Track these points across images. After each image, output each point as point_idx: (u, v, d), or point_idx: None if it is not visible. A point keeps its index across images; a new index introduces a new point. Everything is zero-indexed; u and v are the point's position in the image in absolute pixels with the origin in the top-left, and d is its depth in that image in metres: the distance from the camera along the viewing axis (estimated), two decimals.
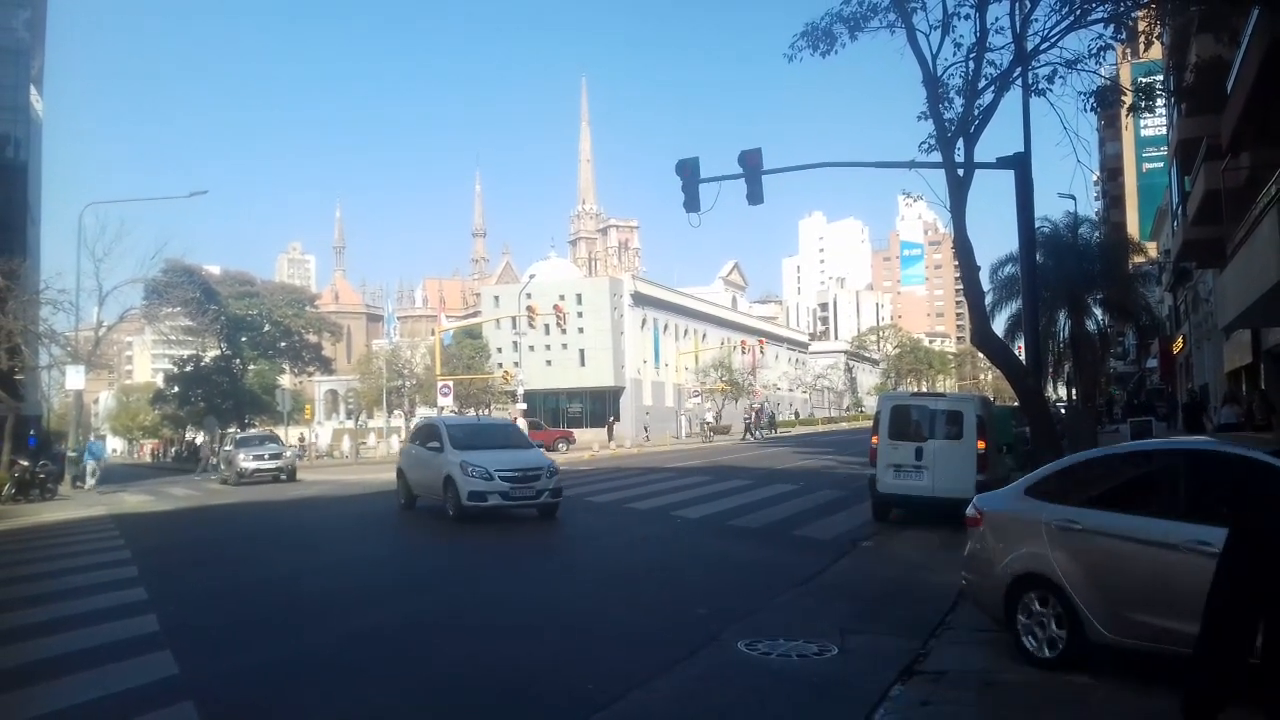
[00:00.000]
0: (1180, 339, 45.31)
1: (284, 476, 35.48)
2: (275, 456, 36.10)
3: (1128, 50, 35.69)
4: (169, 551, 16.82)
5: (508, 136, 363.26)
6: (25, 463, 30.50)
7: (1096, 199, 72.68)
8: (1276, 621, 2.25)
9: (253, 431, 46.55)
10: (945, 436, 15.77)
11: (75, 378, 34.85)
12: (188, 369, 64.07)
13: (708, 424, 73.07)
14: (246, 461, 35.00)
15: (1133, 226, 58.35)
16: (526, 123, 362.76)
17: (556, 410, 75.71)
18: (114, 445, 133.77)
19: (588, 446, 52.73)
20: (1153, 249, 51.64)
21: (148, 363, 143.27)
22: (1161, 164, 50.07)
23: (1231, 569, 2.46)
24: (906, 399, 18.57)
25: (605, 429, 64.44)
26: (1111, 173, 68.87)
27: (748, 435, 62.92)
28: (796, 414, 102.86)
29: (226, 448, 38.41)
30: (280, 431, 53.99)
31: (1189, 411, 22.88)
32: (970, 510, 8.43)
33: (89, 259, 35.41)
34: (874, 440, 16.56)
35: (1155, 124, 50.59)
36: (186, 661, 8.16)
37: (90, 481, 35.74)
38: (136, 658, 8.38)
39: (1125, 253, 44.71)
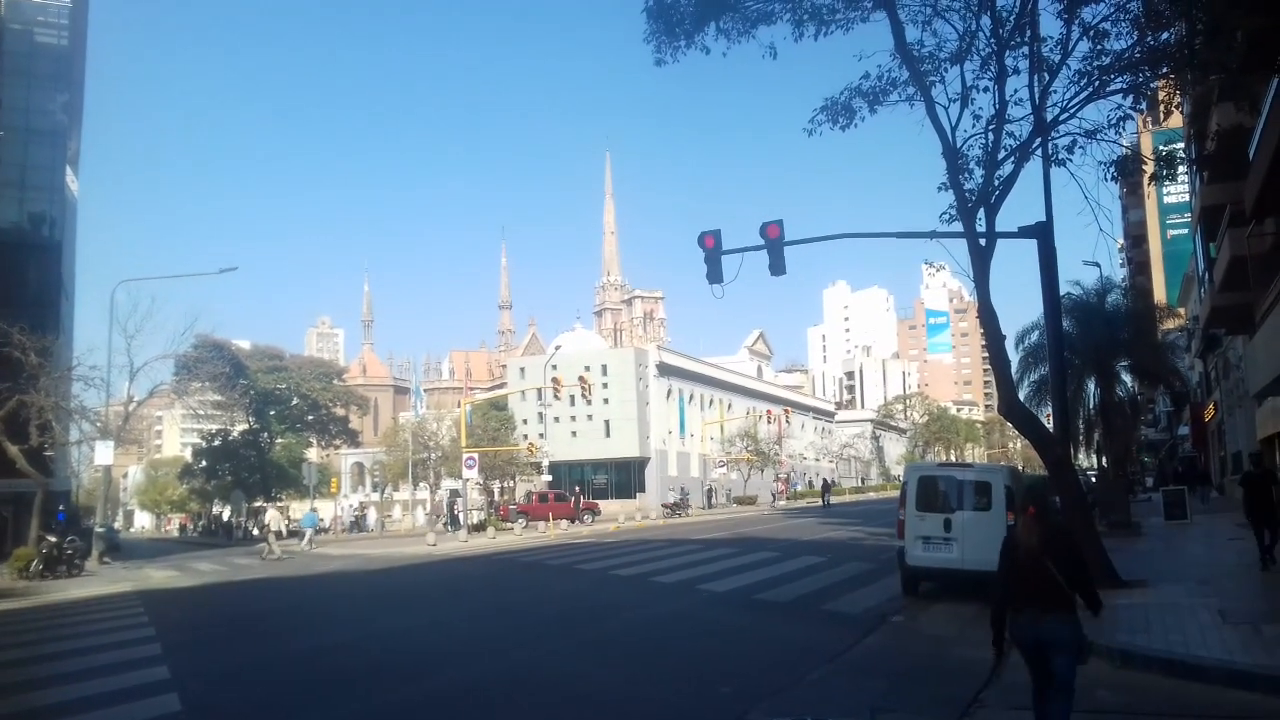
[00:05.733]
0: (1212, 406, 44.78)
1: None
2: None
3: (1148, 119, 35.95)
4: (192, 628, 16.77)
5: (533, 210, 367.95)
6: (53, 538, 30.59)
7: (1121, 265, 72.52)
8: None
9: None
10: (974, 507, 15.45)
11: (105, 453, 35.15)
12: (216, 443, 64.47)
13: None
14: None
15: (1159, 293, 58.12)
16: (551, 196, 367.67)
17: (582, 481, 75.34)
18: (141, 520, 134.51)
19: (613, 518, 52.36)
20: (1181, 315, 51.32)
21: (176, 437, 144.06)
22: (1186, 230, 50.01)
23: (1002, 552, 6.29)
24: (934, 469, 18.33)
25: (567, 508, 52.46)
26: (1135, 239, 68.94)
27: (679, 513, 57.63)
28: (827, 482, 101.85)
29: None
30: (305, 505, 53.58)
31: (1254, 486, 17.11)
32: None
33: (120, 335, 35.79)
34: (901, 512, 16.27)
35: (1178, 191, 50.62)
36: None
37: (305, 546, 40.42)
38: None
39: (1153, 319, 44.24)
